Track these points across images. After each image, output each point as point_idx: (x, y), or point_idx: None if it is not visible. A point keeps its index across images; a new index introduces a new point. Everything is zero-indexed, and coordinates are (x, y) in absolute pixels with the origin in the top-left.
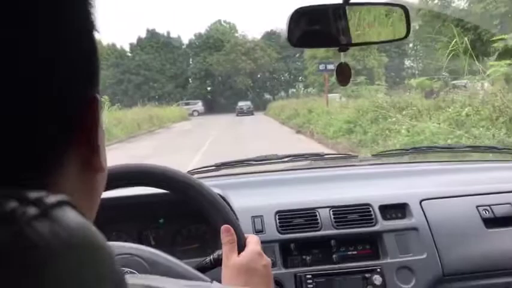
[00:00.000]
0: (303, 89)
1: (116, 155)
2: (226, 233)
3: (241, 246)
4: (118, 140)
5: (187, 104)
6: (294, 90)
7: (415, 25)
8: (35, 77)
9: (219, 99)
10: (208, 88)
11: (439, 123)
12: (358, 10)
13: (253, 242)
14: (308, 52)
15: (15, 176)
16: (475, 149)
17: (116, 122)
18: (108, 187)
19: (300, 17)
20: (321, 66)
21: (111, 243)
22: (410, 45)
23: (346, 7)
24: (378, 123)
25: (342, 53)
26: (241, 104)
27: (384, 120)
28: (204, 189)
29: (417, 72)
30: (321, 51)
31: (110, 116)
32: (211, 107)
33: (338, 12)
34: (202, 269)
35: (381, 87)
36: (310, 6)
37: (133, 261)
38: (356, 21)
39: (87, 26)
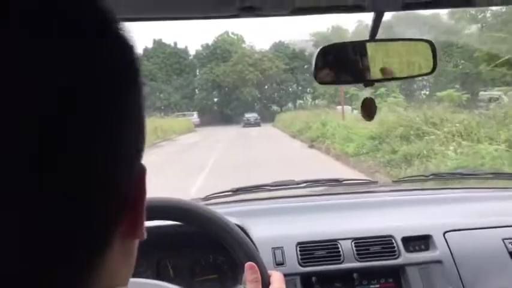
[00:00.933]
0: (310, 100)
1: None
2: (250, 271)
3: (265, 284)
4: None
5: (183, 115)
6: (302, 101)
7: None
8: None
9: (226, 111)
10: (215, 99)
11: (499, 144)
12: (383, 46)
13: (277, 280)
14: None
15: (67, 255)
16: (498, 175)
17: None
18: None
19: (325, 55)
20: None
21: (132, 280)
22: None
23: (370, 44)
24: (410, 141)
25: (367, 88)
26: (248, 115)
27: (417, 138)
28: (227, 224)
29: (428, 84)
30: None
31: None
32: (219, 118)
33: (362, 48)
34: None
35: (399, 100)
36: (335, 44)
37: None
38: (381, 57)
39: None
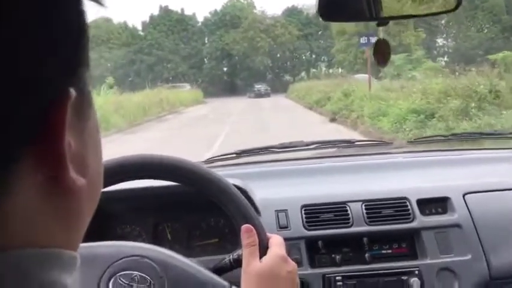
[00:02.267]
0: (324, 69)
1: (109, 150)
2: (247, 234)
3: (263, 248)
4: (117, 129)
5: (174, 87)
6: (315, 70)
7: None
8: None
9: (236, 81)
10: (225, 69)
11: None
12: None
13: (276, 244)
14: (335, 27)
15: None
16: None
17: (116, 107)
18: (119, 179)
19: None
20: (363, 40)
21: (120, 243)
22: (443, 21)
23: None
24: (471, 116)
25: (380, 29)
26: (258, 86)
27: (480, 112)
28: (223, 183)
29: (450, 51)
30: (351, 26)
31: (107, 101)
32: (228, 89)
33: None
34: (220, 270)
35: (437, 65)
36: None
37: (144, 263)
38: None
39: None
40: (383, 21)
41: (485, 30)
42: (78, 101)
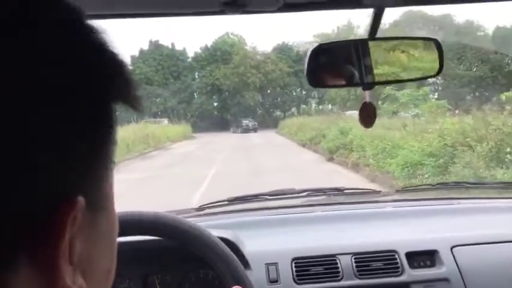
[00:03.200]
0: (314, 105)
1: None
2: None
3: None
4: None
5: (154, 122)
6: (305, 107)
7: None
8: None
9: (226, 116)
10: (215, 104)
11: None
12: (385, 46)
13: None
14: None
15: None
16: (508, 185)
17: None
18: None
19: (320, 54)
20: None
21: None
22: None
23: (371, 43)
24: (506, 163)
25: (366, 92)
26: (245, 121)
27: None
28: (211, 240)
29: (440, 88)
30: None
31: None
32: (218, 124)
33: (362, 48)
34: None
35: (442, 103)
36: (331, 43)
37: None
38: (382, 57)
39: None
40: (368, 86)
41: (474, 69)
42: (90, 204)
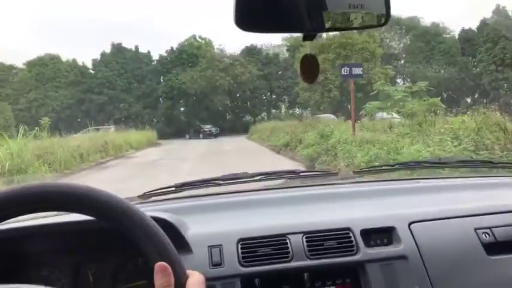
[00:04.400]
0: (284, 109)
1: None
2: (160, 274)
3: None
4: (37, 181)
5: (97, 129)
6: (276, 111)
7: (405, 41)
8: None
9: (194, 121)
10: (182, 109)
11: None
12: None
13: (194, 284)
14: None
15: None
16: (467, 163)
17: (42, 153)
18: (17, 212)
19: None
20: (344, 71)
21: (17, 286)
22: (402, 61)
23: None
24: None
25: (307, 43)
26: (207, 126)
27: None
28: (138, 215)
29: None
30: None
31: (26, 147)
32: (186, 130)
33: None
34: None
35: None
36: None
37: None
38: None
39: None
40: (310, 35)
41: (442, 71)
42: None
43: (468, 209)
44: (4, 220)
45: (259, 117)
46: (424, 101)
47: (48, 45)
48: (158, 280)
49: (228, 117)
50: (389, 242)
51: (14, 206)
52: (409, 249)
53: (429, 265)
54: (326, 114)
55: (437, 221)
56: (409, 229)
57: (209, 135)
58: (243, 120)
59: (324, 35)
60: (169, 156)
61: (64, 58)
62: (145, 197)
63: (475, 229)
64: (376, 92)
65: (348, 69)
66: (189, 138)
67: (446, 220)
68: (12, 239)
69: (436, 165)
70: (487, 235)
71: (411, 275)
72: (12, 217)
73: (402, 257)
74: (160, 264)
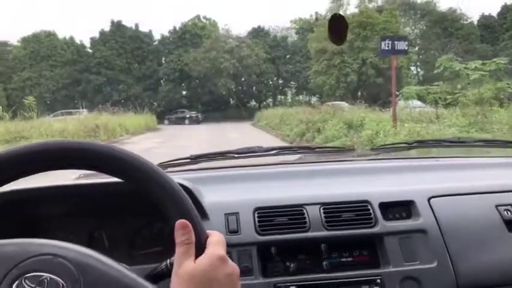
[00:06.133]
0: (290, 95)
1: None
2: (181, 231)
3: (200, 247)
4: None
5: (69, 113)
6: (282, 97)
7: (420, 26)
8: None
9: (196, 105)
10: (184, 92)
11: None
12: None
13: (215, 243)
14: (315, 45)
15: None
16: (488, 143)
17: (16, 136)
18: (36, 168)
19: None
20: (385, 45)
21: (30, 240)
22: (416, 48)
23: None
24: None
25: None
26: (193, 112)
27: None
28: (159, 175)
29: (421, 79)
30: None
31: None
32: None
33: None
34: (156, 277)
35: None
36: None
37: (56, 264)
38: None
39: None
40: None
41: (460, 59)
42: None
43: (489, 186)
44: (22, 176)
45: (265, 103)
46: (495, 83)
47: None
48: (179, 237)
49: (231, 102)
50: (408, 216)
51: (33, 162)
52: (428, 224)
53: (449, 240)
54: (338, 102)
55: (457, 197)
56: (429, 203)
57: (195, 122)
58: (247, 105)
59: (342, 13)
60: (167, 143)
61: (61, 35)
62: (161, 167)
63: (496, 206)
64: (440, 69)
65: (389, 43)
66: (169, 124)
67: (466, 196)
68: (26, 201)
69: (455, 143)
70: (508, 212)
71: (430, 248)
72: (32, 173)
73: (421, 231)
74: (181, 222)
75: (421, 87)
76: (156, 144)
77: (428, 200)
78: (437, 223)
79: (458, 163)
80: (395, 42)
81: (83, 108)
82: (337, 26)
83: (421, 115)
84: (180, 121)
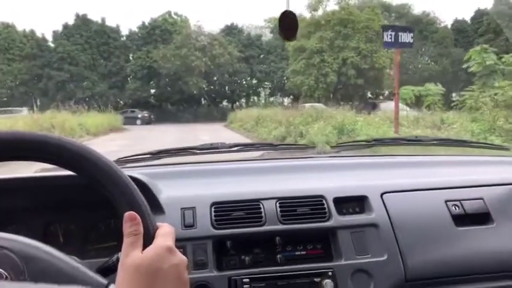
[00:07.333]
0: (264, 97)
1: None
2: (129, 223)
3: (148, 239)
4: None
5: (9, 111)
6: (256, 98)
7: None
8: None
9: (165, 105)
10: (152, 91)
11: None
12: None
13: (162, 234)
14: (293, 43)
15: None
16: (443, 142)
17: None
18: None
19: None
20: (387, 36)
21: None
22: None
23: None
24: None
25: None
26: (144, 113)
27: None
28: (107, 165)
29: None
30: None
31: None
32: (156, 114)
33: None
34: (106, 270)
35: None
36: None
37: (1, 255)
38: None
39: None
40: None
41: (434, 63)
42: None
43: (440, 182)
44: None
45: (237, 103)
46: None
47: (2, 13)
48: (127, 229)
49: (203, 102)
50: (362, 211)
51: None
52: (380, 218)
53: (399, 234)
54: (315, 103)
55: (409, 192)
56: (381, 199)
57: (147, 122)
58: (219, 106)
59: (321, 10)
60: (133, 146)
61: (20, 28)
62: (120, 162)
63: (445, 201)
64: (470, 66)
65: (392, 34)
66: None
67: (417, 192)
68: None
69: (412, 142)
70: (456, 207)
71: (381, 242)
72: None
73: (373, 225)
74: (129, 213)
75: (420, 88)
76: (120, 147)
77: (381, 195)
78: (389, 218)
79: (413, 160)
80: (400, 34)
81: (37, 106)
82: (287, 21)
83: (424, 120)
84: (132, 121)
